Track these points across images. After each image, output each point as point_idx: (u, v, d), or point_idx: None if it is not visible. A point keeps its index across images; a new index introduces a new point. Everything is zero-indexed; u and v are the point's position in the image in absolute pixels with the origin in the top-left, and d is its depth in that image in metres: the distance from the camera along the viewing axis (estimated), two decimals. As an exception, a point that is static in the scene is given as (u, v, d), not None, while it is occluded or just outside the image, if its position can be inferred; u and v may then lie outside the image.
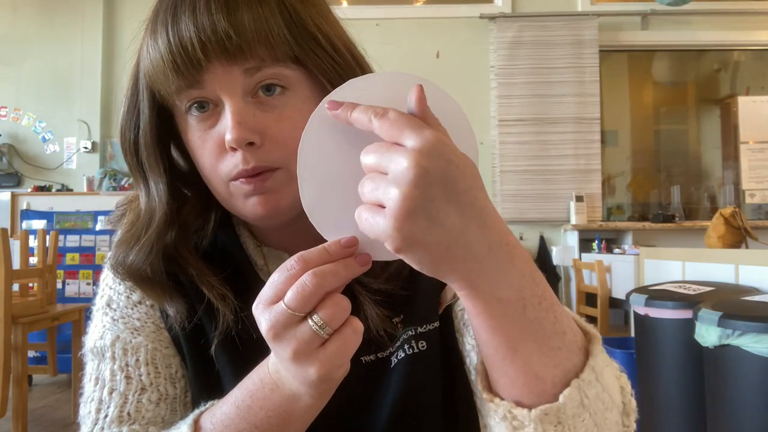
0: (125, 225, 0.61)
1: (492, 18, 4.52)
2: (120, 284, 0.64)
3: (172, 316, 0.59)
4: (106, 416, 0.58)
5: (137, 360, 0.60)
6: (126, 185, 4.56)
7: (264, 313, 0.44)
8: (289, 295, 0.42)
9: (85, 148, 4.62)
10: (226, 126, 0.52)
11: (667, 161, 5.04)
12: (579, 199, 4.32)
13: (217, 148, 0.55)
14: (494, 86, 4.52)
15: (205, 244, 0.63)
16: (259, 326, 0.44)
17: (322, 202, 0.46)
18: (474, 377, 0.50)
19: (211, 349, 0.59)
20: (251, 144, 0.53)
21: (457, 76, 4.56)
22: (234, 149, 0.53)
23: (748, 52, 4.91)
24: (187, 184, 0.62)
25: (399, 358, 0.60)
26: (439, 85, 0.47)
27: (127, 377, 0.59)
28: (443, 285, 0.63)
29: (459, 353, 0.62)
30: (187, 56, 0.51)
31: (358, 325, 0.45)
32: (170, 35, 0.52)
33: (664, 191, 4.90)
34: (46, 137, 4.72)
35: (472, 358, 0.59)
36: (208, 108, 0.55)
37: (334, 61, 0.56)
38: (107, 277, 0.65)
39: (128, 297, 0.63)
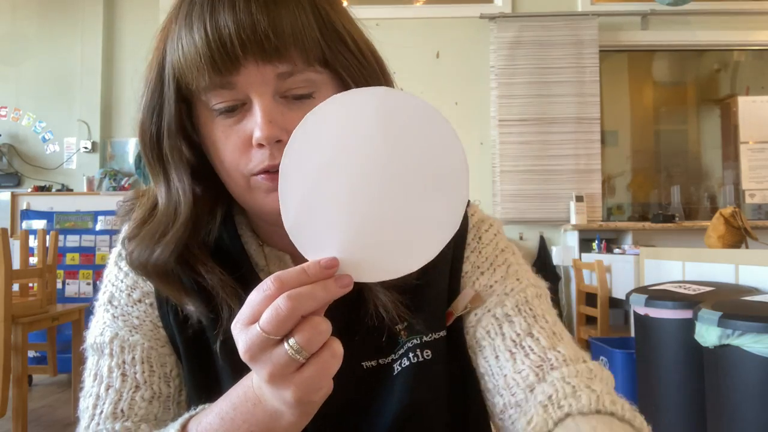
0: (136, 221, 0.60)
1: (492, 18, 4.52)
2: (122, 281, 0.64)
3: (193, 311, 0.59)
4: (102, 412, 0.59)
5: (133, 358, 0.60)
6: (126, 185, 4.56)
7: (241, 334, 0.43)
8: (264, 317, 0.42)
9: (85, 148, 4.62)
10: (256, 123, 0.53)
11: (667, 161, 5.03)
12: (579, 199, 4.32)
13: (241, 143, 0.54)
14: (494, 86, 4.52)
15: (211, 241, 0.62)
16: (237, 346, 0.44)
17: (303, 221, 0.45)
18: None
19: (216, 345, 0.59)
20: (279, 141, 0.53)
21: (457, 76, 4.56)
22: (261, 146, 0.53)
23: (748, 52, 4.91)
24: (197, 180, 0.61)
25: (403, 366, 0.59)
26: (412, 95, 0.46)
27: (123, 374, 0.60)
28: (452, 290, 0.63)
29: (468, 367, 0.62)
30: (225, 51, 0.51)
31: (337, 349, 0.44)
32: (208, 29, 0.51)
33: (664, 191, 4.90)
34: (46, 137, 4.72)
35: (486, 381, 0.59)
36: (237, 109, 0.55)
37: (359, 63, 0.57)
38: (110, 273, 0.66)
39: (129, 295, 0.63)
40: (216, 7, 0.51)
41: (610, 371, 0.58)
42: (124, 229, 0.64)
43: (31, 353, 3.77)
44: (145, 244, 0.58)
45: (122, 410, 0.58)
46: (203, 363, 0.61)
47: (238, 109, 0.54)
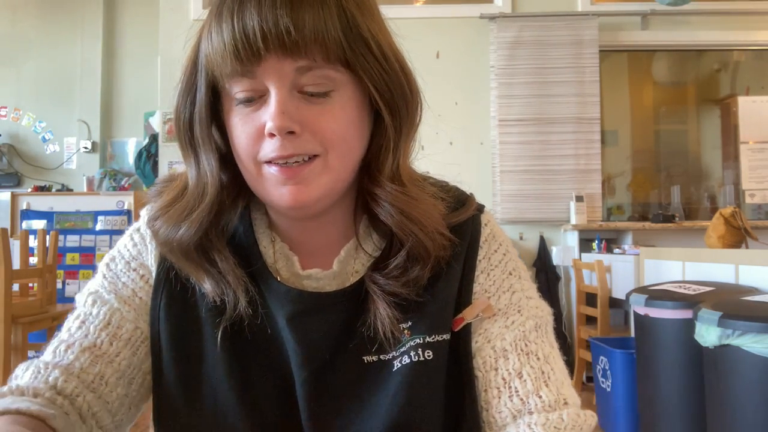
0: (166, 201, 0.63)
1: (492, 18, 4.51)
2: (128, 251, 0.68)
3: (209, 291, 0.62)
4: (60, 341, 0.64)
5: (99, 312, 0.65)
6: (126, 185, 4.56)
7: None
8: None
9: (85, 148, 4.62)
10: (270, 113, 0.55)
11: (667, 161, 5.03)
12: (579, 199, 4.32)
13: (255, 132, 0.57)
14: (494, 86, 4.51)
15: (228, 231, 0.65)
16: None
17: None
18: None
19: (217, 331, 0.61)
20: (291, 133, 0.55)
21: (457, 76, 4.56)
22: (273, 135, 0.56)
23: (748, 52, 4.91)
24: (224, 168, 0.63)
25: (403, 363, 0.60)
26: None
27: (82, 322, 0.65)
28: (461, 300, 0.64)
29: (469, 372, 0.63)
30: (248, 43, 0.54)
31: None
32: (235, 22, 0.54)
33: (664, 191, 4.90)
34: (46, 137, 4.72)
35: (485, 393, 0.62)
36: (255, 99, 0.57)
37: (382, 68, 0.58)
38: (122, 241, 0.70)
39: (128, 263, 0.68)
40: (244, 3, 0.54)
41: (591, 412, 0.59)
42: (147, 209, 0.68)
43: (31, 353, 3.77)
44: (172, 222, 0.61)
45: (63, 349, 0.63)
46: (189, 347, 0.63)
47: (256, 99, 0.57)
